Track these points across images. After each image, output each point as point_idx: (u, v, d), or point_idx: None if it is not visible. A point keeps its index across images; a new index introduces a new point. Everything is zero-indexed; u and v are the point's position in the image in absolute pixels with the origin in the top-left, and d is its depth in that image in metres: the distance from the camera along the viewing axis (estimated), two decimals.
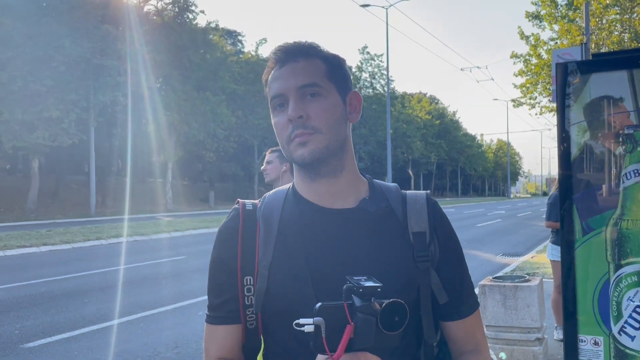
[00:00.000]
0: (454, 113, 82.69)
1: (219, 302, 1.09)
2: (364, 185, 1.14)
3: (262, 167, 3.63)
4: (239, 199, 1.15)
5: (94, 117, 27.44)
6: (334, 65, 1.09)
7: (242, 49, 48.53)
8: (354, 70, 60.11)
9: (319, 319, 0.86)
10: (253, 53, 43.69)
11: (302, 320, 0.87)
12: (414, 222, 1.11)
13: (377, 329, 0.85)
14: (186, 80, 32.89)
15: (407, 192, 1.17)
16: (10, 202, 29.01)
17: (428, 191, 1.19)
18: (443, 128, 73.35)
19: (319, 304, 0.86)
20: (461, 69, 42.56)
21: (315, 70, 1.06)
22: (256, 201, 1.15)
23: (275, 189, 1.19)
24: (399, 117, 58.55)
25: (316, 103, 1.04)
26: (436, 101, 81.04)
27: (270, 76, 1.09)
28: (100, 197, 32.59)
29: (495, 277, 4.80)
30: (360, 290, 0.86)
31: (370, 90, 58.14)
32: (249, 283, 1.07)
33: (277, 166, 3.50)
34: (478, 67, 41.50)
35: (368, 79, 57.96)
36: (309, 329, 0.86)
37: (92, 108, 27.12)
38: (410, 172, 66.42)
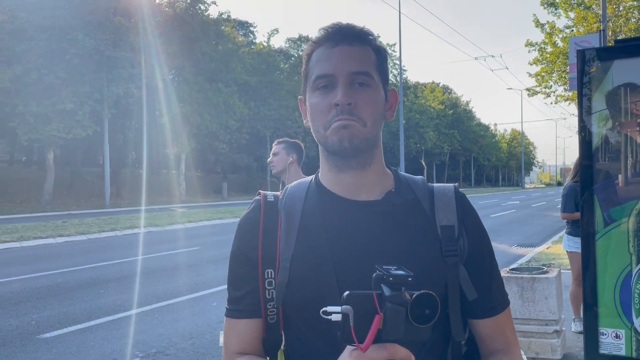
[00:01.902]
0: (468, 103, 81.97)
1: (239, 295, 1.07)
2: (390, 177, 1.11)
3: (268, 159, 3.60)
4: (260, 190, 1.13)
5: (107, 109, 27.60)
6: (382, 58, 1.06)
7: (254, 40, 48.45)
8: None
9: (347, 307, 0.82)
10: (265, 44, 43.58)
11: (329, 308, 0.83)
12: (442, 215, 1.07)
13: (406, 321, 0.81)
14: (198, 71, 32.92)
15: (435, 184, 1.14)
16: (27, 193, 29.37)
17: (456, 184, 1.15)
18: (456, 118, 72.78)
19: (347, 292, 0.82)
20: (475, 58, 42.11)
21: (368, 58, 1.03)
22: (278, 193, 1.12)
23: (298, 181, 1.16)
24: (411, 107, 58.21)
25: (365, 94, 1.01)
26: (449, 91, 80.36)
27: (317, 53, 1.04)
28: (115, 188, 32.87)
29: (512, 269, 4.74)
30: (391, 278, 0.82)
31: None
32: (270, 276, 1.04)
33: (283, 157, 3.48)
34: (492, 56, 41.05)
35: None
36: (336, 317, 0.82)
37: (105, 100, 27.27)
38: (423, 163, 66.07)
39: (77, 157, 35.74)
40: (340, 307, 0.83)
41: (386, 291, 0.82)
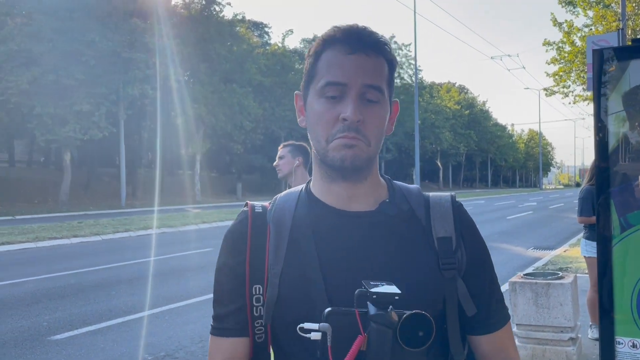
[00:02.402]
0: (484, 103, 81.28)
1: (225, 312, 1.01)
2: (384, 187, 1.06)
3: (274, 163, 3.55)
4: (247, 201, 1.07)
5: (123, 110, 27.85)
6: (393, 69, 1.01)
7: (268, 41, 48.54)
8: None
9: (325, 325, 0.77)
10: (280, 45, 43.63)
11: (307, 325, 0.78)
12: (439, 227, 1.01)
13: (395, 344, 0.74)
14: (213, 72, 33.06)
15: (430, 194, 1.08)
16: (44, 194, 29.75)
17: (453, 193, 1.09)
18: (472, 118, 72.20)
19: (328, 309, 0.76)
20: (491, 58, 41.71)
21: (382, 71, 0.98)
22: (266, 203, 1.06)
23: (288, 190, 1.10)
24: (427, 108, 57.87)
25: (374, 110, 0.96)
26: (465, 91, 79.74)
27: (328, 55, 0.97)
28: (131, 189, 33.16)
29: (527, 274, 4.62)
30: (374, 296, 0.75)
31: (398, 81, 57.49)
32: (258, 292, 0.99)
33: (289, 161, 3.41)
34: (509, 55, 40.66)
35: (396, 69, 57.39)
36: (315, 336, 0.76)
37: (121, 101, 27.53)
38: (439, 163, 65.68)
39: (94, 158, 36.12)
40: (318, 325, 0.76)
41: (371, 310, 0.75)
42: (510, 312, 4.07)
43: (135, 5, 28.14)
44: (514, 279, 4.52)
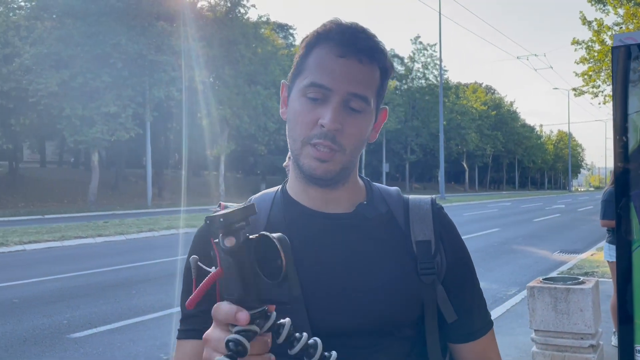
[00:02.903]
0: (511, 103, 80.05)
1: (193, 312, 0.96)
2: (362, 189, 1.02)
3: (284, 164, 3.51)
4: (220, 202, 1.03)
5: (149, 112, 28.27)
6: (386, 78, 0.97)
7: (293, 42, 48.71)
8: (406, 60, 59.20)
9: (194, 257, 0.73)
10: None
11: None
12: (418, 230, 0.98)
13: (245, 273, 0.64)
14: (238, 74, 33.32)
15: (410, 196, 1.05)
16: (74, 194, 30.41)
17: (434, 196, 1.06)
18: (499, 119, 71.19)
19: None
20: (517, 57, 40.95)
21: (371, 81, 0.93)
22: (241, 205, 1.03)
23: (264, 191, 1.07)
24: (452, 108, 57.28)
25: (355, 120, 0.92)
26: (492, 91, 78.70)
27: (319, 52, 0.93)
28: (157, 189, 33.65)
29: (546, 279, 4.49)
30: (221, 219, 0.64)
31: (423, 81, 57.10)
32: None
33: None
34: (535, 55, 39.94)
35: (420, 70, 56.95)
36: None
37: (147, 103, 27.95)
38: (465, 165, 64.94)
39: (122, 159, 36.78)
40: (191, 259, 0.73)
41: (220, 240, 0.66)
42: (528, 317, 3.92)
43: (161, 8, 28.54)
44: (532, 283, 4.40)
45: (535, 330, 4.28)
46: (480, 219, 21.57)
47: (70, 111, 25.11)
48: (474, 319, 1.00)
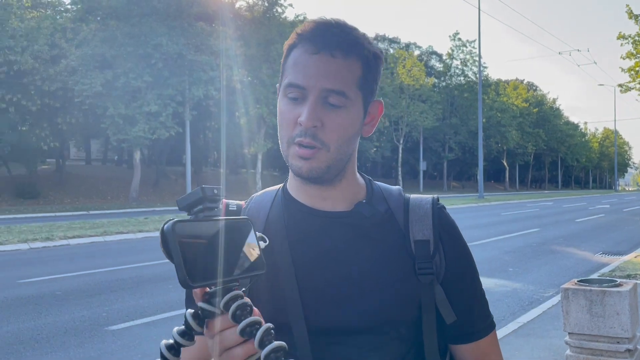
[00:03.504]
0: (554, 100, 77.90)
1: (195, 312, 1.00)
2: (362, 187, 1.02)
3: None
4: (223, 199, 1.05)
5: (189, 111, 28.83)
6: (370, 68, 0.94)
7: None
8: (444, 57, 58.39)
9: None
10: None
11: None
12: (417, 229, 0.97)
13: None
14: (275, 73, 33.56)
15: (412, 195, 1.04)
16: (117, 190, 31.35)
17: (435, 195, 1.04)
18: (541, 116, 69.39)
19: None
20: (559, 53, 39.81)
21: (349, 75, 0.91)
22: (242, 202, 1.04)
23: (265, 190, 1.09)
24: (492, 106, 56.17)
25: (335, 115, 0.91)
26: (534, 88, 76.75)
27: (296, 53, 0.93)
28: (196, 186, 34.20)
29: (581, 280, 4.37)
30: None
31: (462, 78, 56.20)
32: None
33: None
34: (578, 50, 38.74)
35: (459, 67, 56.06)
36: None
37: (187, 102, 28.52)
38: (505, 163, 63.60)
39: (162, 157, 37.66)
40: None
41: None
42: (561, 320, 3.81)
43: (200, 9, 29.07)
44: (566, 285, 4.29)
45: (569, 333, 4.17)
46: (519, 219, 21.10)
47: (114, 110, 25.89)
48: (474, 320, 0.99)
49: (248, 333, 0.66)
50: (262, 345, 0.65)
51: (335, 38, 0.91)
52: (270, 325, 0.66)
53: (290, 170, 1.02)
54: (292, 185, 1.02)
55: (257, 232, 0.73)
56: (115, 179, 33.35)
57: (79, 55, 25.72)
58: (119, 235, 13.91)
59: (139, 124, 26.45)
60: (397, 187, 1.06)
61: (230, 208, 1.00)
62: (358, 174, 1.03)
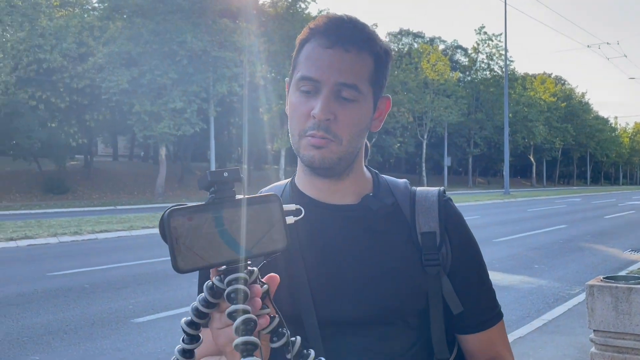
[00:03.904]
0: (583, 94, 76.22)
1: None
2: (368, 180, 1.04)
3: None
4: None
5: (213, 107, 29.09)
6: (381, 64, 0.97)
7: None
8: (469, 52, 57.64)
9: None
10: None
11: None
12: (423, 221, 0.99)
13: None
14: None
15: (418, 188, 1.05)
16: (143, 186, 31.86)
17: (442, 187, 1.05)
18: (570, 111, 67.97)
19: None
20: (588, 46, 38.93)
21: (361, 69, 0.93)
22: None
23: (275, 184, 1.11)
24: (519, 100, 55.22)
25: (348, 109, 0.93)
26: (562, 82, 75.22)
27: (309, 47, 0.95)
28: None
29: (607, 277, 4.28)
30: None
31: (488, 73, 55.42)
32: None
33: None
34: (608, 43, 37.81)
35: (485, 61, 55.27)
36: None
37: (211, 99, 28.77)
38: (532, 159, 62.57)
39: (187, 153, 38.12)
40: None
41: None
42: (587, 317, 3.75)
43: (224, 5, 29.27)
44: (592, 281, 4.22)
45: (594, 331, 4.10)
46: (546, 215, 20.76)
47: (140, 107, 26.27)
48: (481, 311, 1.01)
49: (233, 318, 0.67)
50: (237, 332, 0.66)
51: (348, 33, 0.93)
52: (252, 317, 0.66)
53: (298, 165, 1.04)
54: (301, 179, 1.04)
55: (287, 206, 0.74)
56: (142, 175, 33.88)
57: (105, 52, 26.16)
58: (145, 229, 14.14)
59: (165, 121, 26.78)
60: (403, 180, 1.07)
61: None
62: (365, 168, 1.05)
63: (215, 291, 0.70)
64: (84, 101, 27.86)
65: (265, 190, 1.08)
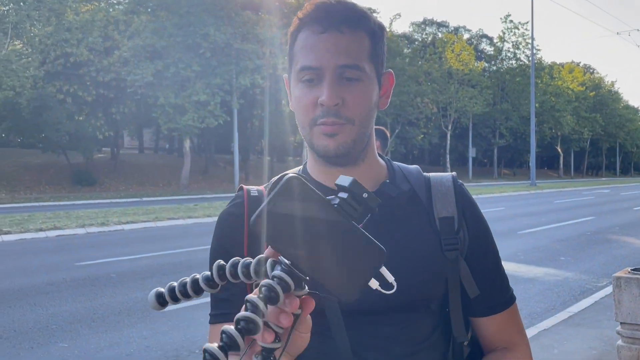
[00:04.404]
0: (612, 83, 74.30)
1: (223, 297, 0.96)
2: (383, 167, 1.03)
3: None
4: (242, 185, 1.05)
5: (236, 99, 29.25)
6: (378, 40, 0.96)
7: None
8: (495, 41, 56.69)
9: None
10: (387, 30, 43.15)
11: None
12: (441, 207, 0.99)
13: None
14: None
15: (431, 174, 1.05)
16: (168, 178, 32.29)
17: (454, 173, 1.05)
18: (599, 100, 66.39)
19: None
20: (617, 33, 37.91)
21: (360, 48, 0.92)
22: (261, 187, 1.04)
23: (283, 174, 1.07)
24: (546, 90, 54.16)
25: (354, 89, 0.92)
26: (591, 70, 73.47)
27: (302, 36, 0.93)
28: (244, 174, 34.88)
29: (635, 269, 4.19)
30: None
31: (514, 62, 54.46)
32: None
33: None
34: (638, 30, 36.67)
35: (511, 50, 54.29)
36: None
37: (234, 91, 28.92)
38: (559, 150, 61.39)
39: (211, 145, 38.45)
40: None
41: None
42: (613, 309, 3.70)
43: None
44: (619, 273, 4.13)
45: (621, 323, 4.03)
46: (573, 207, 20.38)
47: (164, 100, 26.57)
48: (496, 294, 1.02)
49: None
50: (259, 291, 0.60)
51: (339, 14, 0.92)
52: (247, 315, 0.58)
53: (309, 155, 1.02)
54: (314, 169, 1.02)
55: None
56: (167, 167, 34.33)
57: (130, 46, 26.49)
58: (170, 220, 14.36)
59: (189, 113, 27.04)
60: (414, 166, 1.07)
61: (252, 194, 1.01)
62: (378, 156, 1.04)
63: (223, 273, 0.65)
64: (110, 94, 28.29)
65: (275, 180, 1.05)
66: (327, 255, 0.61)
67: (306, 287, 0.63)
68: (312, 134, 0.93)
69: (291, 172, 1.06)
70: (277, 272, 0.60)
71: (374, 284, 0.65)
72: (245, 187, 1.03)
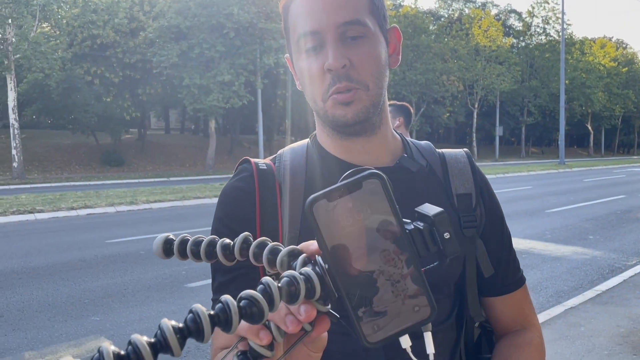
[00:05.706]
0: None
1: (229, 278, 0.88)
2: (398, 141, 0.99)
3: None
4: (247, 157, 0.97)
5: (260, 79, 29.24)
6: None
7: (401, 3, 47.36)
8: (524, 16, 55.21)
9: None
10: (412, 6, 42.38)
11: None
12: (458, 183, 0.96)
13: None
14: None
15: (444, 150, 1.02)
16: (194, 158, 32.66)
17: (466, 149, 1.03)
18: (632, 76, 64.30)
19: None
20: None
21: (357, 3, 0.85)
22: (268, 160, 0.97)
23: (291, 145, 1.01)
24: (576, 66, 52.66)
25: (361, 48, 0.85)
26: (624, 45, 71.07)
27: (295, 4, 0.87)
28: (269, 153, 34.88)
29: None
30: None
31: (543, 37, 53.03)
32: None
33: (390, 121, 3.34)
34: None
35: (540, 25, 52.85)
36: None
37: (258, 71, 28.90)
38: (590, 127, 59.92)
39: (236, 125, 38.65)
40: None
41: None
42: None
43: None
44: None
45: None
46: (603, 185, 19.94)
47: (189, 81, 26.73)
48: (510, 273, 1.00)
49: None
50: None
51: None
52: (296, 280, 0.47)
53: (319, 127, 0.96)
54: (326, 142, 0.95)
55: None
56: (193, 147, 34.68)
57: (155, 27, 26.63)
58: (196, 200, 14.56)
59: (214, 94, 27.17)
60: (425, 141, 1.05)
61: (260, 167, 0.94)
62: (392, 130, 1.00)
63: (230, 253, 0.55)
64: (136, 75, 28.59)
65: (285, 153, 0.98)
66: (370, 281, 0.50)
67: (329, 306, 0.51)
68: (326, 107, 0.87)
69: (297, 145, 1.00)
70: (309, 269, 0.49)
71: (406, 342, 0.52)
72: (251, 159, 0.96)
